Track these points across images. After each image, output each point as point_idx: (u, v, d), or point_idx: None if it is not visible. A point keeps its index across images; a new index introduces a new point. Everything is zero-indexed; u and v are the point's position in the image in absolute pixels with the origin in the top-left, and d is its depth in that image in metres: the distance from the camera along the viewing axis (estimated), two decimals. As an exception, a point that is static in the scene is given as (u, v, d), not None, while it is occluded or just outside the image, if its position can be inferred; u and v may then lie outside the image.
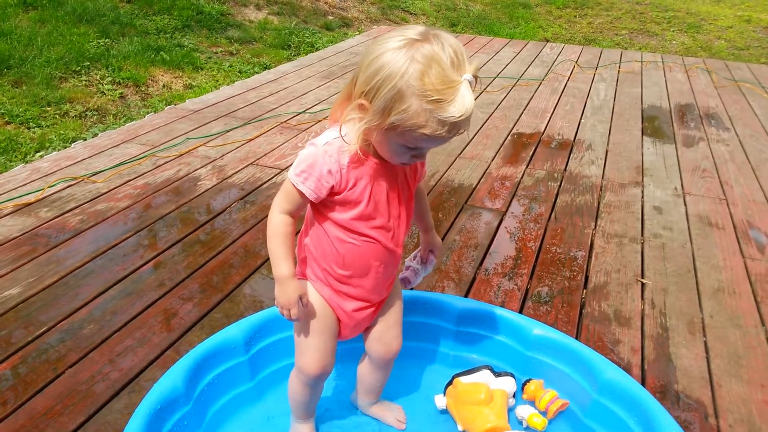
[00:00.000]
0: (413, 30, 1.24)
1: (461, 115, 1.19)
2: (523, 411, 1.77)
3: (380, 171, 1.39)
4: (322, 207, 1.43)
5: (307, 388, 1.59)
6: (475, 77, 1.23)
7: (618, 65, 6.46)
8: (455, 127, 1.23)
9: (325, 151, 1.34)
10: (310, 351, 1.53)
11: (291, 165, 1.39)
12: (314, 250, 1.49)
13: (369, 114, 1.26)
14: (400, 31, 1.24)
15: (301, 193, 1.36)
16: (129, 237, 2.69)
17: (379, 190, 1.40)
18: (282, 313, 1.45)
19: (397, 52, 1.21)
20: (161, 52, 5.80)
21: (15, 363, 1.93)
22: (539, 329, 1.89)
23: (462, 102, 1.19)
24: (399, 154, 1.33)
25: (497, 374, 1.80)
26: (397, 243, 1.49)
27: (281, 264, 1.40)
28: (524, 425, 1.77)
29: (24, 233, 2.66)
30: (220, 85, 5.39)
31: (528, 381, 1.84)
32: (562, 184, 3.50)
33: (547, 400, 1.77)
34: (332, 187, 1.36)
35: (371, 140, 1.33)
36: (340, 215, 1.41)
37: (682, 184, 3.61)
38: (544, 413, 1.77)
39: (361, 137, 1.30)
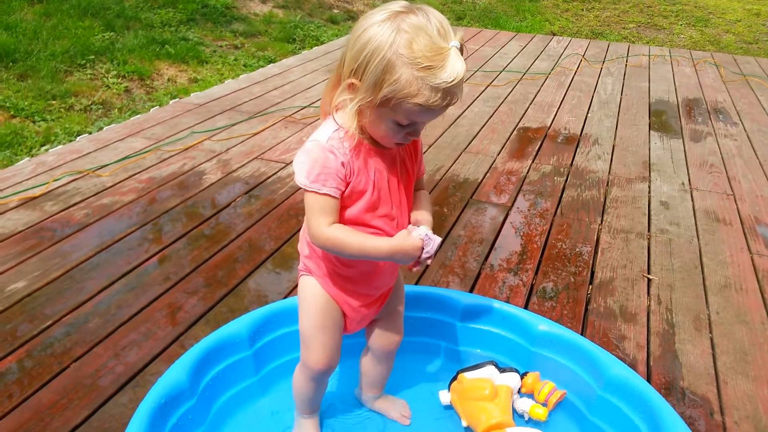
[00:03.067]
0: (397, 4, 1.23)
1: (453, 80, 1.18)
2: (523, 404, 1.77)
3: (379, 158, 1.38)
4: None
5: (313, 382, 1.58)
6: (462, 46, 1.22)
7: (625, 59, 6.42)
8: (448, 94, 1.21)
9: (331, 146, 1.31)
10: (316, 347, 1.52)
11: (298, 178, 1.32)
12: None
13: (360, 92, 1.24)
14: (384, 6, 1.24)
15: (329, 196, 1.32)
16: (134, 231, 2.69)
17: (380, 177, 1.38)
18: (423, 262, 1.37)
19: (383, 24, 1.20)
20: (166, 46, 5.79)
21: (21, 356, 1.93)
22: (544, 325, 1.88)
23: (453, 67, 1.18)
24: (393, 133, 1.30)
25: (502, 370, 1.79)
26: None
27: (377, 244, 1.36)
28: (526, 418, 1.76)
29: (29, 227, 2.67)
30: (224, 78, 5.38)
31: (525, 374, 1.84)
32: (569, 179, 3.48)
33: (546, 392, 1.78)
34: (345, 177, 1.33)
35: (364, 122, 1.30)
36: (348, 208, 1.38)
37: (689, 179, 3.59)
38: (544, 405, 1.77)
39: (355, 118, 1.28)
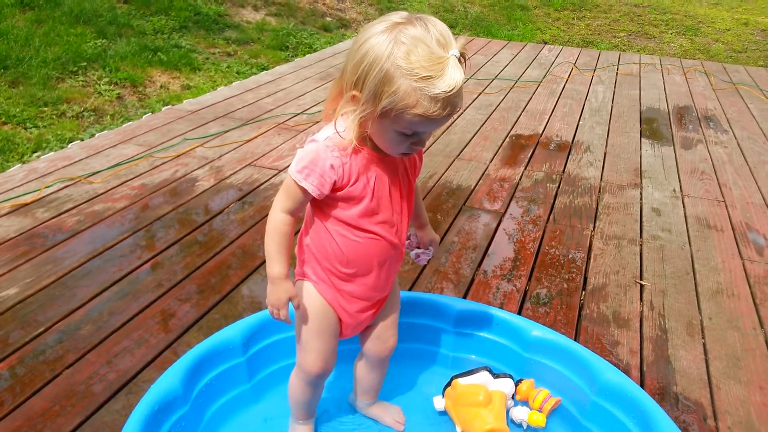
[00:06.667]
0: (397, 15, 1.24)
1: (451, 89, 1.18)
2: (519, 413, 1.77)
3: (381, 165, 1.38)
4: (324, 205, 1.41)
5: (309, 387, 1.59)
6: (463, 55, 1.21)
7: (616, 67, 6.47)
8: (448, 103, 1.21)
9: (327, 146, 1.33)
10: (312, 351, 1.53)
11: (290, 164, 1.37)
12: (316, 249, 1.47)
13: (361, 103, 1.25)
14: (385, 17, 1.24)
15: (304, 190, 1.34)
16: (126, 238, 2.68)
17: (381, 184, 1.39)
18: (271, 312, 1.45)
19: (381, 35, 1.21)
20: (159, 53, 5.79)
21: (12, 363, 1.92)
22: (538, 331, 1.89)
23: (452, 76, 1.17)
24: (397, 143, 1.31)
25: (496, 376, 1.79)
26: (400, 238, 1.49)
27: (276, 263, 1.40)
28: (525, 426, 1.76)
29: (21, 234, 2.65)
30: (217, 85, 5.37)
31: (519, 381, 1.84)
32: (561, 186, 3.50)
33: (540, 399, 1.77)
34: (335, 182, 1.34)
35: (368, 132, 1.31)
36: (344, 212, 1.39)
37: (680, 186, 3.62)
38: (539, 411, 1.77)
39: (357, 129, 1.29)
